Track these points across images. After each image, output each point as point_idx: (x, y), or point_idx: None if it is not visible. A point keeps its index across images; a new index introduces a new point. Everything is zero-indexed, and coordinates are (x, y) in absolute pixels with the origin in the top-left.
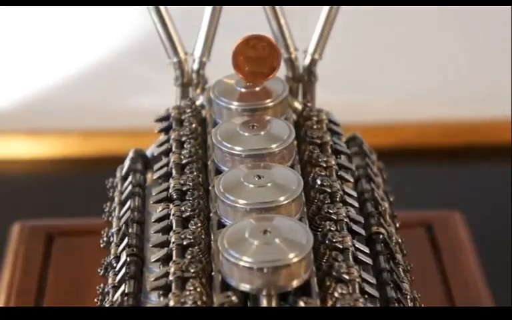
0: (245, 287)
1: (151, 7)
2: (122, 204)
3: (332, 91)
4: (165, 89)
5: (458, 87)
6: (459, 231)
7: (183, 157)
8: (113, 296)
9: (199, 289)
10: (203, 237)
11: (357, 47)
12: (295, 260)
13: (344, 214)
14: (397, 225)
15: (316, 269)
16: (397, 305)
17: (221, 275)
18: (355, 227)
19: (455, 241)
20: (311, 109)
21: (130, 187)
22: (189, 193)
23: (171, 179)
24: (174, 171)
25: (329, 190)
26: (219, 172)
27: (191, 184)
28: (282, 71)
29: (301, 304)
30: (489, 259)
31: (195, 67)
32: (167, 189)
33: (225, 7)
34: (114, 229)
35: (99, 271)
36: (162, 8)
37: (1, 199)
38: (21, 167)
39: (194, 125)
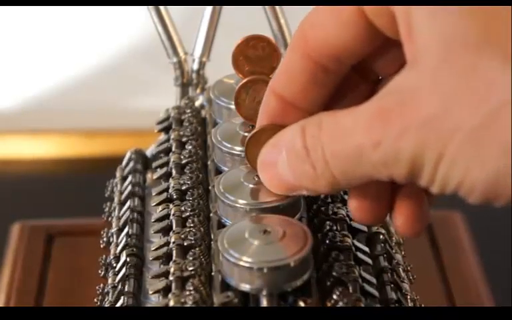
0: (245, 287)
1: (150, 7)
2: (122, 204)
3: None
4: (165, 89)
5: None
6: (459, 231)
7: (182, 157)
8: (112, 296)
9: (198, 289)
10: (203, 237)
11: None
12: (295, 260)
13: (344, 214)
14: None
15: (316, 269)
16: (396, 305)
17: (221, 275)
18: (355, 226)
19: (455, 240)
20: None
21: (130, 187)
22: (188, 192)
23: (170, 179)
24: (174, 171)
25: None
26: (218, 172)
27: (190, 184)
28: None
29: (301, 304)
30: (489, 259)
31: (195, 67)
32: (167, 188)
33: (224, 7)
34: (114, 229)
35: (100, 272)
36: (162, 8)
37: (0, 199)
38: (21, 167)
39: (194, 125)
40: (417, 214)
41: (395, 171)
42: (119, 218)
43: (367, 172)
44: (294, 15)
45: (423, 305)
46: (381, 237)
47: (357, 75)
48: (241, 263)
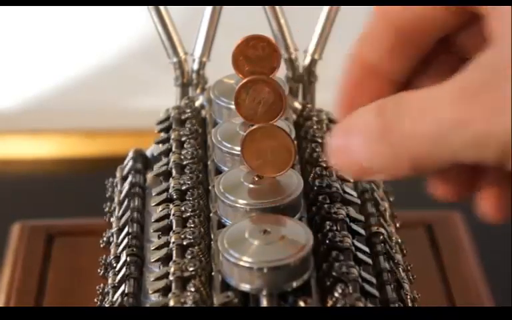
0: (245, 287)
1: (150, 7)
2: (122, 204)
3: (332, 91)
4: (165, 89)
5: None
6: (459, 231)
7: (183, 157)
8: (112, 296)
9: (199, 289)
10: (203, 236)
11: None
12: (295, 260)
13: (344, 214)
14: (397, 224)
15: (316, 268)
16: (396, 305)
17: (221, 275)
18: (354, 227)
19: (455, 240)
20: (310, 109)
21: (130, 187)
22: (188, 192)
23: (170, 179)
24: (174, 171)
25: (328, 190)
26: (219, 172)
27: (190, 184)
28: (282, 71)
29: (301, 304)
30: (489, 259)
31: (195, 66)
32: (167, 189)
33: (224, 7)
34: (114, 229)
35: (99, 271)
36: (162, 8)
37: (1, 199)
38: (21, 167)
39: (194, 125)
40: (504, 198)
41: (482, 154)
42: (119, 218)
43: (450, 154)
44: (294, 15)
45: (422, 305)
46: (381, 237)
47: (443, 50)
48: (241, 263)
